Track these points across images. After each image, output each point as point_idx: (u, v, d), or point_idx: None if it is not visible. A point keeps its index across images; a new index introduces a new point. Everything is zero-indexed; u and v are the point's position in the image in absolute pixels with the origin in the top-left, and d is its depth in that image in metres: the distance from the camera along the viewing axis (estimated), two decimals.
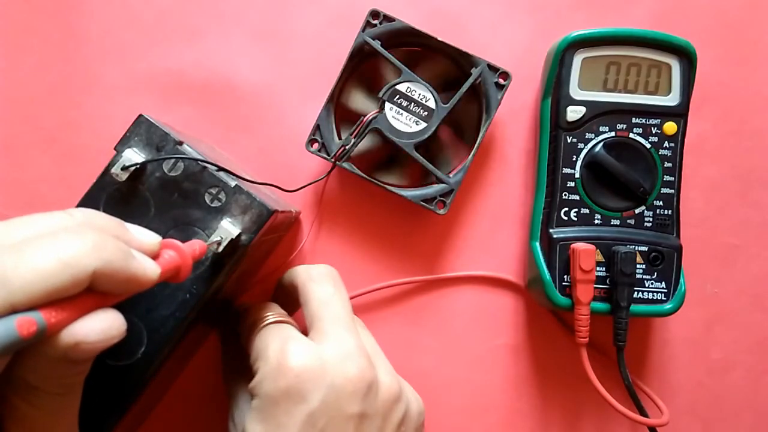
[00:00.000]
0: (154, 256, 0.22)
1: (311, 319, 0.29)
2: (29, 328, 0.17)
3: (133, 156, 0.27)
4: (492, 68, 0.35)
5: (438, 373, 0.37)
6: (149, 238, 0.23)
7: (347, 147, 0.35)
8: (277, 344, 0.27)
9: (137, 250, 0.21)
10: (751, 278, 0.39)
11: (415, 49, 0.37)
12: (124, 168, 0.27)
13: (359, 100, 0.37)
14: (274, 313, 0.30)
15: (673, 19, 0.39)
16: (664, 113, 0.35)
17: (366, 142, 0.36)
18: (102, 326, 0.19)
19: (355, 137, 0.34)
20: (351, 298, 0.36)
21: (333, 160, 0.35)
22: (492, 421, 0.38)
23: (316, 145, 0.36)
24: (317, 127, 0.35)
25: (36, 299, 0.17)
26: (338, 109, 0.37)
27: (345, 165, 0.35)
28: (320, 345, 0.27)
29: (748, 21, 0.39)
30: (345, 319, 0.29)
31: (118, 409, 0.26)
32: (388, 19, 0.35)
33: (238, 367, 0.31)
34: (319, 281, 0.30)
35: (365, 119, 0.34)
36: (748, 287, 0.39)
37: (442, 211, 0.35)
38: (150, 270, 0.21)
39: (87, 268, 0.18)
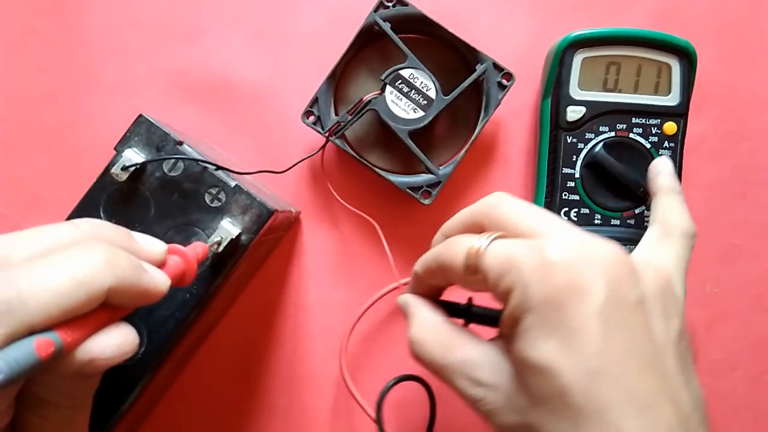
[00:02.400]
0: (161, 264, 0.22)
1: (528, 233, 0.23)
2: (47, 349, 0.17)
3: (133, 156, 0.27)
4: (497, 67, 0.35)
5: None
6: (156, 247, 0.22)
7: (342, 124, 0.35)
8: (523, 248, 0.22)
9: (145, 261, 0.21)
10: (751, 278, 0.39)
11: (424, 37, 0.37)
12: (124, 168, 0.27)
13: (361, 80, 0.37)
14: (483, 234, 0.24)
15: (673, 19, 0.39)
16: (664, 113, 0.35)
17: (362, 124, 0.36)
18: (116, 342, 0.19)
19: (351, 115, 0.34)
20: (371, 305, 0.36)
21: (326, 134, 0.35)
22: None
23: (311, 118, 0.35)
24: (315, 100, 0.35)
25: (52, 319, 0.17)
26: (339, 86, 0.37)
27: (337, 141, 0.35)
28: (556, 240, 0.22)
29: (748, 21, 0.39)
30: (557, 218, 0.24)
31: (118, 409, 0.26)
32: (401, 2, 0.35)
33: (449, 332, 0.25)
34: (506, 199, 0.25)
35: (364, 99, 0.34)
36: (748, 287, 0.39)
37: (426, 201, 0.35)
38: (161, 283, 0.21)
39: (102, 286, 0.18)
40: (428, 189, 0.35)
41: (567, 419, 0.19)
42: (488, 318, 0.25)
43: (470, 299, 0.26)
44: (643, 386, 0.20)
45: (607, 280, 0.20)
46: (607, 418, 0.19)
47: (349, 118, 0.34)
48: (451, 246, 0.24)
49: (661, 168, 0.32)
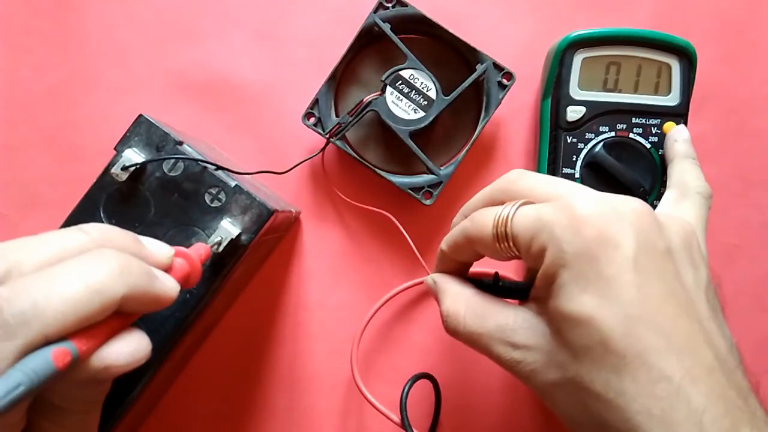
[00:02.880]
0: (168, 268, 0.22)
1: (552, 198, 0.24)
2: (64, 359, 0.17)
3: (133, 156, 0.27)
4: (497, 67, 0.35)
5: (437, 373, 0.37)
6: (164, 252, 0.22)
7: (343, 125, 0.35)
8: (550, 208, 0.22)
9: (154, 266, 0.21)
10: (752, 278, 0.39)
11: (423, 37, 0.37)
12: (124, 168, 0.27)
13: (361, 81, 0.37)
14: (508, 204, 0.24)
15: (673, 19, 0.39)
16: (664, 113, 0.35)
17: (363, 125, 0.36)
18: (130, 349, 0.19)
19: (352, 116, 0.34)
20: (383, 304, 0.36)
21: (327, 136, 0.35)
22: (492, 421, 0.38)
23: (312, 119, 0.35)
24: (315, 102, 0.35)
25: (67, 329, 0.17)
26: (339, 88, 0.37)
27: (338, 143, 0.35)
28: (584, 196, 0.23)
29: (748, 21, 0.39)
30: (577, 184, 0.24)
31: (118, 409, 0.26)
32: (401, 3, 0.35)
33: (481, 302, 0.25)
34: (524, 173, 0.26)
35: (365, 100, 0.34)
36: (748, 287, 0.38)
37: (428, 202, 0.35)
38: (171, 289, 0.21)
39: (116, 295, 0.18)
40: (429, 189, 0.35)
41: (610, 366, 0.20)
42: (516, 291, 0.25)
43: (496, 273, 0.27)
44: (681, 329, 0.20)
45: (635, 231, 0.21)
46: (649, 361, 0.19)
47: (350, 119, 0.34)
48: (478, 218, 0.25)
49: (678, 135, 0.33)
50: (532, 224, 0.22)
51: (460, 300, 0.26)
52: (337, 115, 0.37)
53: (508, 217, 0.23)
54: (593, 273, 0.20)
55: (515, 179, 0.25)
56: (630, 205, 0.22)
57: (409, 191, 0.35)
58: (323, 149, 0.36)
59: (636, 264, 0.20)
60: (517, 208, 0.23)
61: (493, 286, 0.27)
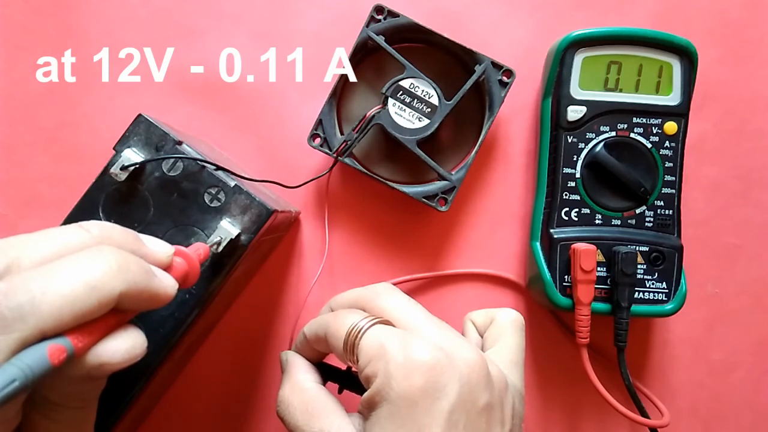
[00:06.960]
0: (167, 267, 0.22)
1: (402, 325, 0.26)
2: (60, 355, 0.17)
3: (132, 156, 0.27)
4: (496, 65, 0.35)
5: None
6: (163, 250, 0.22)
7: (349, 142, 0.34)
8: (395, 340, 0.24)
9: (153, 264, 0.21)
10: (752, 278, 0.38)
11: (419, 45, 0.37)
12: (123, 168, 0.26)
13: (362, 95, 0.37)
14: (367, 316, 0.26)
15: (674, 18, 0.39)
16: (665, 113, 0.35)
17: (368, 138, 0.36)
18: (126, 346, 0.19)
19: (357, 132, 0.34)
20: None
21: (335, 155, 0.35)
22: None
23: (318, 140, 0.35)
24: (319, 122, 0.35)
25: (64, 325, 0.17)
26: (341, 105, 0.37)
27: (347, 160, 0.35)
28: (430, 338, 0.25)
29: (748, 21, 0.39)
30: (429, 315, 0.27)
31: (117, 410, 0.26)
32: (392, 14, 0.35)
33: (316, 400, 0.27)
34: (391, 290, 0.28)
35: (368, 115, 0.34)
36: (749, 287, 0.38)
37: (443, 208, 0.35)
38: (170, 287, 0.21)
39: (113, 292, 0.18)
40: (443, 196, 0.35)
41: None
42: (362, 388, 0.25)
43: (349, 368, 0.28)
44: None
45: (461, 384, 0.23)
46: None
47: (355, 135, 0.34)
48: (338, 318, 0.27)
49: (465, 329, 0.32)
50: (375, 349, 0.24)
51: (297, 391, 0.27)
52: (341, 133, 0.36)
53: (361, 329, 0.25)
54: (410, 417, 0.22)
55: (379, 293, 0.27)
56: (465, 355, 0.24)
57: (424, 200, 0.35)
58: (331, 169, 0.35)
59: (449, 417, 0.22)
60: (371, 325, 0.25)
61: (342, 377, 0.28)
